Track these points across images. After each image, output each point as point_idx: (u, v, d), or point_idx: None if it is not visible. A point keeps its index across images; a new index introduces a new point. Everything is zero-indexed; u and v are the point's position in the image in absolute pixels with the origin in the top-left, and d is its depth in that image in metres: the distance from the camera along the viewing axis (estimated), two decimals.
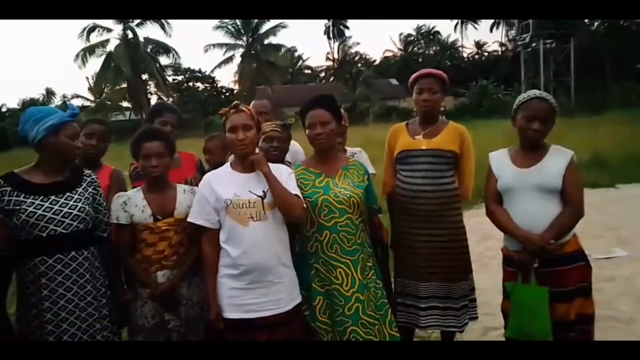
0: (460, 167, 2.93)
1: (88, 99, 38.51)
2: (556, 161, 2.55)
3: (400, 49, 52.83)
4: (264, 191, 2.33)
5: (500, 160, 2.71)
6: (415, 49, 53.07)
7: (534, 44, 31.71)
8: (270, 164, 2.49)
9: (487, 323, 3.59)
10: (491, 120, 21.86)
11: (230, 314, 2.30)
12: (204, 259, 2.37)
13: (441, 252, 2.86)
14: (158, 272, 2.46)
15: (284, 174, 2.42)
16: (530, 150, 2.61)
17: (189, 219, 2.38)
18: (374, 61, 53.70)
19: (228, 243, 2.32)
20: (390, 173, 3.05)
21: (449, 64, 42.27)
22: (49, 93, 47.96)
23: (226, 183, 2.36)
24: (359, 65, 42.59)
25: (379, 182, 3.06)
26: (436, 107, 2.92)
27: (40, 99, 47.36)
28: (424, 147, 2.88)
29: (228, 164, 2.49)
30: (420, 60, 48.02)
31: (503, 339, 2.75)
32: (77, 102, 38.03)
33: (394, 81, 40.66)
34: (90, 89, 37.86)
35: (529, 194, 2.55)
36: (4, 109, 40.04)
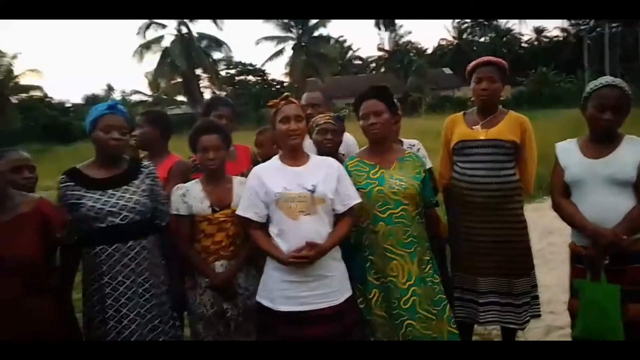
0: (521, 158, 2.81)
1: (146, 94, 39.96)
2: (630, 152, 2.39)
3: (454, 37, 51.32)
4: (313, 185, 2.31)
5: (568, 151, 2.57)
6: (470, 36, 51.39)
7: (598, 28, 30.01)
8: (320, 157, 2.51)
9: (551, 322, 3.44)
10: (552, 110, 20.87)
11: (282, 306, 2.29)
12: (260, 243, 2.35)
13: (501, 246, 2.75)
14: (216, 262, 2.50)
15: (334, 170, 2.41)
16: (602, 140, 2.45)
17: (237, 212, 2.40)
18: (426, 50, 52.58)
19: (279, 237, 2.31)
20: (447, 165, 2.97)
21: (505, 51, 40.72)
22: (110, 89, 50.09)
23: (276, 176, 2.35)
24: (411, 54, 41.80)
25: (435, 173, 2.99)
26: (495, 96, 2.81)
27: (102, 94, 49.64)
28: (482, 138, 2.77)
29: (277, 156, 2.48)
30: (475, 48, 46.47)
31: (566, 339, 2.64)
32: (136, 97, 39.63)
33: (447, 70, 39.65)
34: (148, 84, 39.25)
35: (599, 186, 2.40)
36: (68, 104, 42.31)
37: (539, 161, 2.85)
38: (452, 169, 2.92)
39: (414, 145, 3.07)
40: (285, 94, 2.49)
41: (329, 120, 2.82)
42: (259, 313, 2.40)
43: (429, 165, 2.93)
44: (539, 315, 2.89)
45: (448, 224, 2.96)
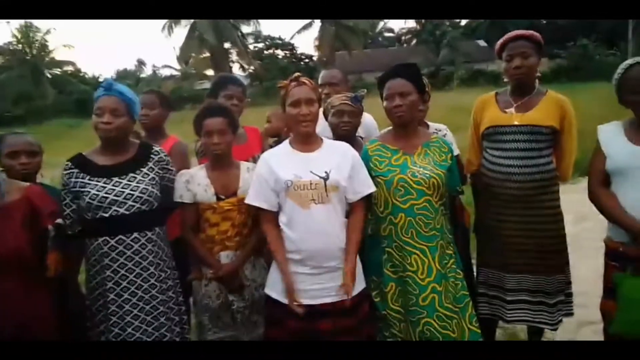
0: (559, 144, 2.54)
1: (175, 69, 40.21)
2: None
3: None
4: (326, 172, 2.14)
5: (612, 136, 2.31)
6: None
7: None
8: (333, 142, 2.34)
9: (582, 317, 3.20)
10: (592, 84, 19.95)
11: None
12: (268, 241, 2.24)
13: (535, 241, 2.53)
14: (221, 252, 2.39)
15: (349, 157, 2.24)
16: None
17: (246, 201, 2.26)
18: (460, 22, 50.92)
19: (289, 226, 2.17)
20: (476, 151, 2.73)
21: (544, 22, 38.97)
22: (140, 63, 50.64)
23: (286, 163, 2.19)
24: (444, 26, 40.50)
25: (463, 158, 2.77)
26: (530, 74, 2.52)
27: (133, 69, 50.21)
28: (516, 123, 2.51)
29: (287, 141, 2.31)
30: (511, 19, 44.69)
31: (599, 334, 2.48)
32: (165, 72, 39.93)
33: (481, 42, 38.24)
34: (177, 58, 39.40)
35: None
36: (100, 79, 43.00)
37: (579, 140, 2.58)
38: (482, 155, 2.69)
39: (440, 131, 2.83)
40: (296, 74, 2.29)
41: (346, 101, 2.61)
42: (267, 306, 2.29)
43: (456, 152, 2.72)
44: (572, 314, 2.69)
45: (475, 215, 2.77)
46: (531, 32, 2.53)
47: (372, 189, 2.26)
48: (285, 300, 2.17)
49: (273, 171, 2.18)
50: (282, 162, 2.20)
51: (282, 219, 2.20)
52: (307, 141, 2.23)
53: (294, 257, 2.16)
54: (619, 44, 28.88)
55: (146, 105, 2.91)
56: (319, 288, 2.15)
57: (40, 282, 2.06)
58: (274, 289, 2.24)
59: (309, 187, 2.12)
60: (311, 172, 2.15)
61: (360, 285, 2.26)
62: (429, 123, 2.89)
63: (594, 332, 3.04)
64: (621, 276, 2.24)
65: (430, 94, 2.79)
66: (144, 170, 2.27)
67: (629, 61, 2.20)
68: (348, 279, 2.14)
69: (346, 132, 2.62)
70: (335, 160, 2.20)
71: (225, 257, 2.39)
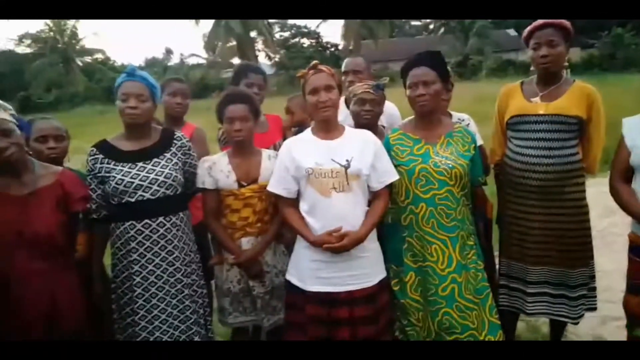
0: (586, 135, 2.48)
1: (202, 57, 40.51)
2: None
3: None
4: (347, 160, 2.14)
5: (637, 129, 2.22)
6: None
7: None
8: (356, 130, 2.34)
9: (607, 312, 3.14)
10: (626, 75, 19.30)
11: (312, 286, 2.18)
12: (290, 221, 2.23)
13: (558, 234, 2.48)
14: (242, 238, 2.42)
15: (371, 144, 2.23)
16: None
17: (268, 188, 2.27)
18: None
19: (310, 214, 2.18)
20: (500, 140, 2.69)
21: None
22: (168, 52, 51.33)
23: (307, 150, 2.19)
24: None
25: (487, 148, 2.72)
26: (558, 63, 2.45)
27: (161, 57, 50.85)
28: (541, 112, 2.46)
29: (309, 129, 2.31)
30: None
31: (623, 331, 2.39)
32: (192, 60, 40.26)
33: (511, 31, 37.33)
34: (204, 47, 39.66)
35: None
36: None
37: (607, 131, 2.51)
38: (506, 145, 2.65)
39: (463, 120, 2.79)
40: (314, 62, 2.29)
41: (368, 89, 2.59)
42: (288, 291, 2.31)
43: (479, 142, 2.67)
44: (595, 309, 2.63)
45: (498, 206, 2.73)
46: (560, 20, 2.45)
47: (395, 177, 2.25)
48: (306, 287, 2.18)
49: (294, 158, 2.19)
50: (303, 149, 2.21)
51: (304, 206, 2.21)
52: (328, 128, 2.23)
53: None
54: None
55: (182, 94, 2.97)
56: (339, 276, 2.16)
57: (69, 264, 2.13)
58: (295, 275, 2.26)
59: (329, 175, 2.12)
60: (332, 159, 2.14)
61: (380, 274, 2.26)
62: (452, 112, 2.85)
63: (617, 329, 2.98)
64: None
65: (453, 83, 2.75)
66: (168, 155, 2.29)
67: None
68: (349, 238, 2.11)
69: (368, 121, 2.60)
70: (357, 148, 2.19)
71: (246, 243, 2.41)
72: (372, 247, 2.25)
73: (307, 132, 2.30)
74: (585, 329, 3.05)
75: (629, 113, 2.36)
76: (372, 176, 2.20)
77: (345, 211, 2.13)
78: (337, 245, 2.09)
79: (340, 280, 2.16)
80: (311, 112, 2.25)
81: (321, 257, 2.16)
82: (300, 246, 2.25)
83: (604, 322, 3.17)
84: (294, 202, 2.25)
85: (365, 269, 2.20)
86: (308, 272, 2.20)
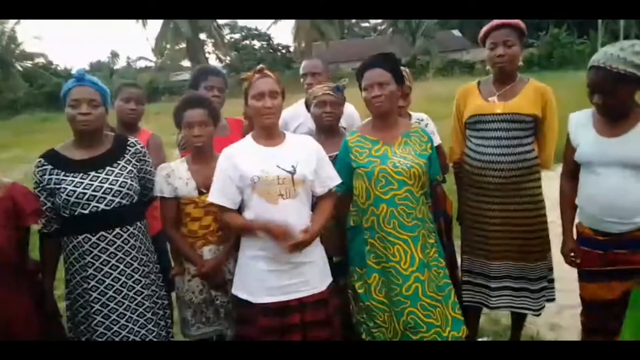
0: (541, 132, 2.57)
1: (151, 60, 39.49)
2: None
3: None
4: (293, 166, 2.11)
5: (581, 125, 2.29)
6: None
7: None
8: (296, 136, 2.35)
9: (561, 300, 3.23)
10: (563, 73, 20.29)
11: (262, 298, 2.13)
12: (235, 224, 2.16)
13: (516, 229, 2.55)
14: (204, 247, 2.35)
15: (313, 150, 2.23)
16: (616, 117, 2.17)
17: (209, 199, 2.17)
18: None
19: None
20: (459, 139, 2.74)
21: None
22: (114, 55, 49.62)
23: (250, 158, 2.13)
24: None
25: (445, 147, 2.77)
26: (513, 62, 2.52)
27: (107, 60, 49.12)
28: (499, 111, 2.52)
29: (249, 136, 2.25)
30: None
31: (578, 319, 2.48)
32: (140, 64, 39.14)
33: (456, 32, 38.49)
34: (152, 49, 38.67)
35: (611, 169, 2.15)
36: (73, 72, 41.92)
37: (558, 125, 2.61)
38: (464, 144, 2.70)
39: (422, 120, 2.81)
40: (260, 66, 2.24)
41: (328, 92, 2.59)
42: (236, 306, 2.25)
43: (437, 142, 2.71)
44: (554, 299, 2.72)
45: (458, 203, 2.78)
46: (516, 20, 2.52)
47: (338, 181, 2.26)
48: (255, 300, 2.13)
49: (238, 167, 2.11)
50: (246, 157, 2.14)
51: (249, 215, 2.14)
52: (270, 135, 2.19)
53: (262, 254, 2.12)
54: (589, 32, 29.37)
55: (135, 99, 2.86)
56: (288, 284, 2.12)
57: (21, 281, 2.02)
58: (242, 288, 2.19)
59: (276, 182, 2.08)
60: (278, 166, 2.11)
61: (328, 278, 2.26)
62: (411, 113, 2.89)
63: (572, 316, 3.10)
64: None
65: (412, 85, 2.78)
66: (122, 162, 2.20)
67: (593, 59, 2.16)
68: (309, 233, 2.09)
69: (329, 123, 2.60)
70: (301, 153, 2.17)
71: (208, 251, 2.34)
72: (318, 251, 2.24)
73: (248, 139, 2.24)
74: (544, 317, 3.15)
75: (568, 108, 2.46)
76: (316, 181, 2.19)
77: (292, 217, 2.09)
78: (301, 240, 2.05)
79: (290, 288, 2.13)
80: (254, 118, 2.19)
81: (269, 267, 2.11)
82: (245, 257, 2.19)
83: (559, 311, 3.28)
84: (236, 212, 2.19)
85: (315, 274, 2.19)
86: (256, 283, 2.14)
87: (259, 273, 2.13)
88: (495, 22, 2.53)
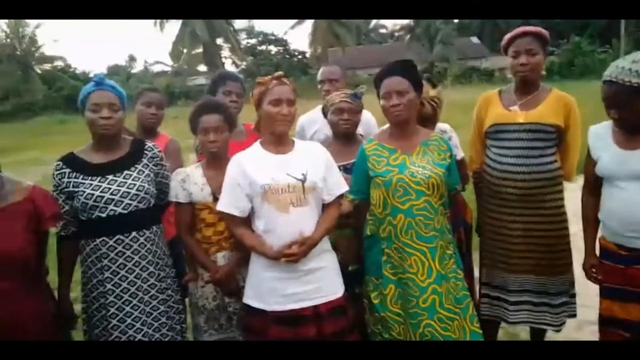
0: (564, 143, 2.51)
1: (167, 64, 40.01)
2: None
3: None
4: (303, 174, 2.09)
5: (600, 139, 2.25)
6: None
7: None
8: (305, 142, 2.34)
9: (582, 316, 3.15)
10: (584, 82, 20.01)
11: (275, 306, 2.09)
12: (245, 239, 2.13)
13: (537, 242, 2.49)
14: (218, 253, 2.33)
15: (322, 157, 2.21)
16: (635, 130, 2.12)
17: (218, 208, 2.15)
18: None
19: (268, 233, 2.09)
20: (479, 148, 2.69)
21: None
22: (132, 59, 50.31)
23: (260, 166, 2.11)
24: (437, 22, 40.51)
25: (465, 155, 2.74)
26: (536, 71, 2.47)
27: (124, 64, 49.85)
28: (520, 121, 2.47)
29: (258, 143, 2.23)
30: None
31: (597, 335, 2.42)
32: (157, 68, 39.64)
33: (474, 39, 38.33)
34: (169, 54, 39.15)
35: (632, 183, 2.10)
36: (91, 75, 42.63)
37: (581, 136, 2.55)
38: (485, 153, 2.65)
39: (445, 132, 2.74)
40: (278, 73, 2.22)
41: (345, 99, 2.56)
42: (247, 316, 2.21)
43: (460, 155, 2.68)
44: (575, 315, 2.66)
45: (477, 214, 2.73)
46: (539, 29, 2.49)
47: (345, 188, 2.24)
48: (269, 308, 2.10)
49: (247, 174, 2.09)
50: (256, 164, 2.11)
51: (260, 225, 2.12)
52: (280, 142, 2.17)
53: (273, 263, 2.09)
54: (611, 41, 29.01)
55: (156, 104, 2.89)
56: (302, 291, 2.09)
57: (37, 286, 2.01)
58: (254, 297, 2.16)
59: (287, 190, 2.06)
60: (288, 174, 2.08)
61: (341, 287, 2.21)
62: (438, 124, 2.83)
63: (593, 333, 3.01)
64: None
65: (440, 99, 2.68)
66: (139, 167, 2.20)
67: (606, 73, 2.14)
68: (307, 244, 2.06)
69: (346, 130, 2.57)
70: (310, 161, 2.15)
71: (222, 257, 2.33)
72: (330, 257, 2.21)
73: (257, 146, 2.21)
74: (562, 333, 3.07)
75: (589, 119, 2.40)
76: (324, 189, 2.17)
77: (303, 226, 2.07)
78: (299, 251, 2.02)
79: (303, 296, 2.09)
80: (268, 123, 2.16)
81: (280, 275, 2.08)
82: (257, 267, 2.16)
83: (580, 327, 3.20)
84: (246, 221, 2.16)
85: (328, 281, 2.16)
86: (268, 292, 2.11)
87: (270, 281, 2.11)
88: (519, 30, 2.49)
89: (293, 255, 2.03)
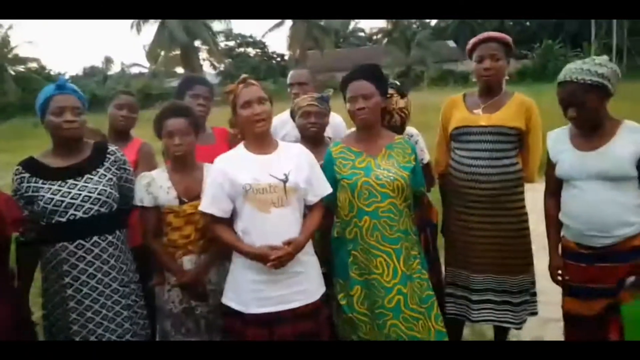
0: (525, 145, 2.57)
1: (144, 66, 39.47)
2: (627, 142, 2.12)
3: None
4: (285, 174, 2.10)
5: (559, 142, 2.32)
6: None
7: None
8: (288, 144, 2.33)
9: (546, 313, 3.23)
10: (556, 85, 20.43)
11: (255, 308, 2.10)
12: (226, 239, 2.14)
13: (499, 242, 2.55)
14: (184, 257, 2.31)
15: (305, 158, 2.22)
16: (592, 130, 2.19)
17: (200, 209, 2.16)
18: (430, 22, 51.49)
19: (247, 233, 2.10)
20: (444, 151, 2.74)
21: (511, 23, 39.69)
22: (108, 61, 49.42)
23: (242, 166, 2.12)
24: (414, 26, 40.89)
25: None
26: (499, 76, 2.54)
27: (100, 66, 48.98)
28: (483, 124, 2.53)
29: (241, 145, 2.24)
30: (479, 20, 45.42)
31: (562, 332, 2.49)
32: (134, 70, 39.12)
33: (451, 43, 38.81)
34: (146, 56, 38.63)
35: (590, 183, 2.16)
36: (66, 77, 41.84)
37: (542, 139, 2.60)
38: (449, 155, 2.70)
39: (412, 136, 2.76)
40: (243, 75, 2.25)
41: (312, 102, 2.58)
42: (226, 316, 2.22)
43: (426, 159, 2.72)
44: (536, 313, 2.72)
45: (443, 215, 2.78)
46: (502, 34, 2.56)
47: (329, 190, 2.25)
48: (247, 311, 2.10)
49: (229, 175, 2.10)
50: (238, 165, 2.12)
51: (240, 225, 2.12)
52: (262, 143, 2.18)
53: (255, 264, 2.09)
54: (582, 45, 29.73)
55: (128, 107, 2.84)
56: (282, 294, 2.10)
57: (1, 289, 1.99)
58: (233, 299, 2.16)
59: (268, 190, 2.07)
60: (270, 174, 2.09)
61: (321, 288, 2.24)
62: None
63: (556, 329, 3.08)
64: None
65: (409, 109, 2.68)
66: (101, 170, 2.18)
67: (561, 74, 2.21)
68: (293, 245, 2.07)
69: (314, 133, 2.59)
70: (293, 161, 2.16)
71: (188, 261, 2.31)
72: (312, 260, 2.22)
73: (240, 148, 2.22)
74: (527, 331, 3.14)
75: (562, 121, 2.47)
76: (309, 190, 2.18)
77: (284, 227, 2.08)
78: (283, 253, 2.02)
79: (283, 299, 2.10)
80: (244, 127, 2.17)
81: (262, 277, 2.09)
82: (238, 267, 2.16)
83: (544, 324, 3.26)
84: (227, 221, 2.17)
85: (309, 284, 2.17)
86: (249, 294, 2.11)
87: (251, 283, 2.11)
88: (483, 35, 2.56)
89: (278, 259, 2.03)
